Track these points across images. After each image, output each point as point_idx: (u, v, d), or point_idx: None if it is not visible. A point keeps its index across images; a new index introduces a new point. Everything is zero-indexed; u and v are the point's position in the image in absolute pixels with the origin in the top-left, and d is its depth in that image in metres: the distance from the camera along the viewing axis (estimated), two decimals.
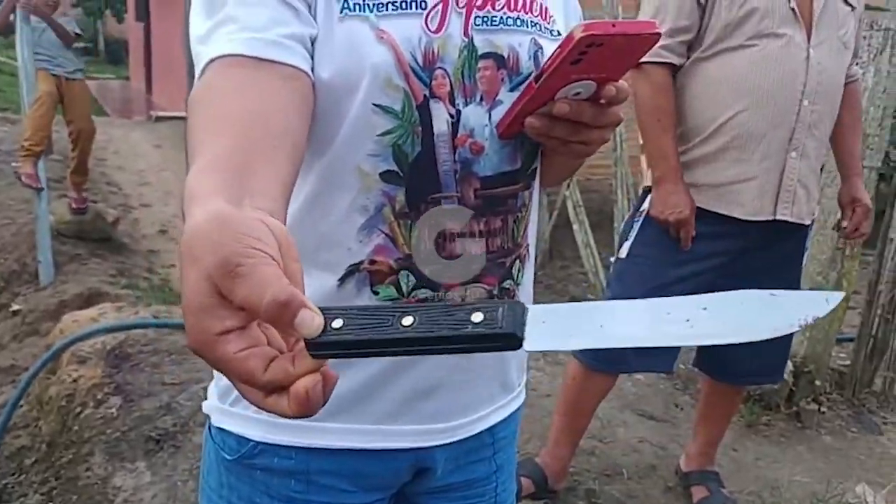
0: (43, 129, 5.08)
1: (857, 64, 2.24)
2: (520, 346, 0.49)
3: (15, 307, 4.58)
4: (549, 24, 0.90)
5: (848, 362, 3.41)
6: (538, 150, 0.91)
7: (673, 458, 2.63)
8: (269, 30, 0.74)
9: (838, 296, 0.49)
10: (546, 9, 0.90)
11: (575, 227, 4.74)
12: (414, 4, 0.81)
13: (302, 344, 0.48)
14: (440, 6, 0.82)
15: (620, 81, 0.77)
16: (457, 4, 0.83)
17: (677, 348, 2.17)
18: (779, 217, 2.03)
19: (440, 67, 0.82)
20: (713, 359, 2.36)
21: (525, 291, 0.94)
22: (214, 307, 0.47)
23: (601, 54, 0.71)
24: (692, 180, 2.04)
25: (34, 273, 4.82)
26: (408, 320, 0.49)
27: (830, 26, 2.01)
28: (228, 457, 0.91)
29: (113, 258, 5.31)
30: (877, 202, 2.51)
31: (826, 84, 2.00)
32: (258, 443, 0.89)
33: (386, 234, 0.84)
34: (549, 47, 0.87)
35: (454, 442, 0.95)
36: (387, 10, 0.80)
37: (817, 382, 3.09)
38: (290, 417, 0.47)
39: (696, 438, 2.52)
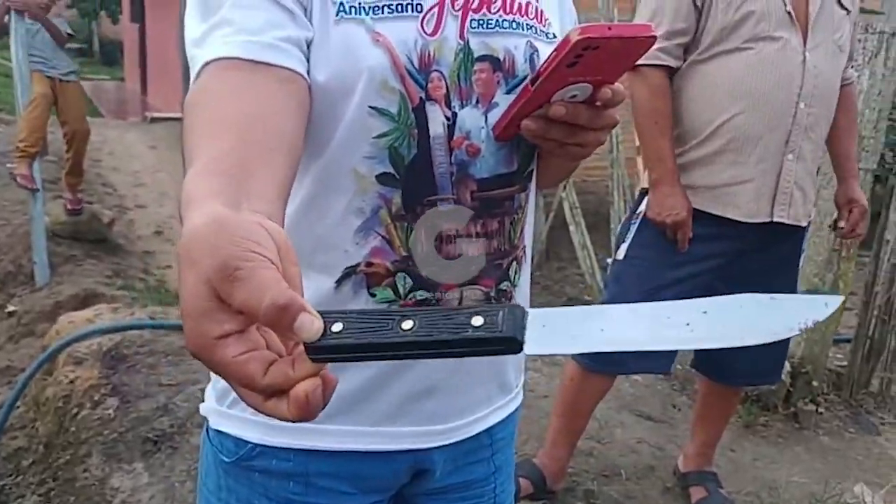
0: (38, 131, 5.08)
1: (852, 67, 2.24)
2: (520, 349, 0.49)
3: (10, 308, 4.57)
4: (544, 26, 0.90)
5: (845, 363, 3.41)
6: (534, 153, 0.91)
7: (671, 459, 2.63)
8: (264, 33, 0.73)
9: (837, 299, 0.50)
10: (541, 12, 0.90)
11: (571, 228, 4.75)
12: (410, 7, 0.81)
13: (301, 348, 0.48)
14: (436, 9, 0.82)
15: (616, 84, 0.77)
16: (453, 7, 0.83)
17: (675, 349, 2.17)
18: (775, 219, 2.03)
19: (436, 70, 0.82)
20: (711, 360, 2.36)
21: (522, 293, 0.94)
22: (213, 311, 0.47)
23: (597, 57, 0.72)
24: (689, 182, 2.04)
25: (30, 274, 4.82)
26: (408, 324, 0.49)
27: (826, 30, 2.02)
28: (226, 459, 0.91)
29: (108, 259, 5.31)
30: (872, 204, 2.51)
31: (822, 87, 2.01)
32: (256, 445, 0.89)
33: (382, 237, 0.84)
34: (545, 50, 0.87)
35: (452, 443, 0.95)
36: (382, 12, 0.80)
37: (814, 383, 3.10)
38: (289, 421, 0.47)
39: (693, 439, 2.52)
